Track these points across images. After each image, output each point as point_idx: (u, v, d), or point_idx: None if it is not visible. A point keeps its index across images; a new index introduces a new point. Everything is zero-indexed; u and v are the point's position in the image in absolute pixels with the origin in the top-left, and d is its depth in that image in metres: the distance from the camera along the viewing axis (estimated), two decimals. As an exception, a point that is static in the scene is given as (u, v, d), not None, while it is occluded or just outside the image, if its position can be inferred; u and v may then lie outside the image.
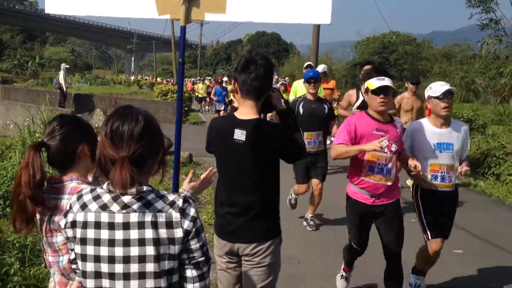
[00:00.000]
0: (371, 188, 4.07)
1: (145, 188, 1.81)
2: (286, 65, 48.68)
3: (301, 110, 6.47)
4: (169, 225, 1.79)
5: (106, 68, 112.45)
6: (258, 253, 2.90)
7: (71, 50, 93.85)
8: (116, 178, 1.71)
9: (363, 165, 4.04)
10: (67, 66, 24.01)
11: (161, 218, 1.78)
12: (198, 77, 50.68)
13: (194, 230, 1.83)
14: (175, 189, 3.29)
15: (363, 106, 6.16)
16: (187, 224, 1.81)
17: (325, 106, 6.58)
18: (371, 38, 42.30)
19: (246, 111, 2.89)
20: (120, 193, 1.76)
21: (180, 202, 1.83)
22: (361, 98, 6.90)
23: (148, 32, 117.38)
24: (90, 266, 1.80)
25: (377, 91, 3.92)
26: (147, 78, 70.18)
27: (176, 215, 1.80)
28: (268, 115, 3.01)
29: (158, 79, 57.32)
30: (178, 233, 1.80)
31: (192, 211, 1.84)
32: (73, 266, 1.93)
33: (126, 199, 1.77)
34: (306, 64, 11.25)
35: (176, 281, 1.88)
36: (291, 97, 10.46)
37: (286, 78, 21.12)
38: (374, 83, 3.93)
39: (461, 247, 6.03)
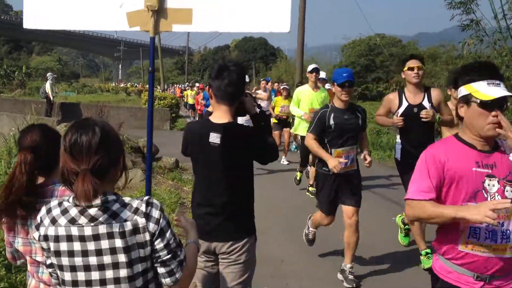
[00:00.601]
0: (477, 265, 2.46)
1: (109, 198, 1.88)
2: (273, 70, 48.97)
3: (332, 123, 5.01)
4: (136, 231, 1.87)
5: (93, 76, 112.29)
6: (234, 251, 3.02)
7: (57, 59, 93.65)
8: (79, 191, 1.78)
9: (459, 228, 2.48)
10: (54, 76, 23.98)
11: (128, 227, 1.86)
12: (187, 83, 50.75)
13: (158, 231, 1.91)
14: (148, 190, 3.39)
15: (409, 116, 5.30)
16: (152, 226, 1.90)
17: (359, 116, 5.13)
18: (357, 41, 42.69)
19: (220, 115, 3.02)
20: (86, 205, 1.83)
21: (143, 208, 1.90)
22: (404, 105, 5.39)
23: (135, 40, 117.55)
24: (67, 275, 1.90)
25: (491, 105, 2.42)
26: (137, 85, 70.06)
27: (141, 221, 1.88)
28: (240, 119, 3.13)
29: (147, 86, 57.31)
30: (146, 236, 1.89)
31: (156, 213, 1.92)
32: (50, 270, 2.02)
33: (93, 211, 1.84)
34: (311, 67, 8.94)
35: (152, 277, 1.98)
36: (293, 109, 9.12)
37: (275, 83, 18.93)
38: (487, 90, 2.43)
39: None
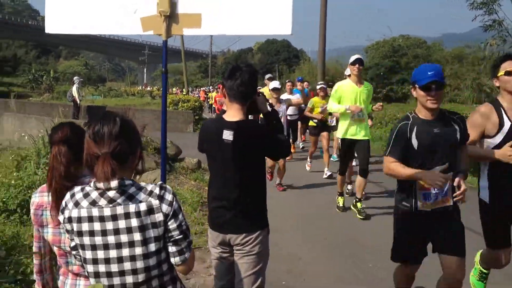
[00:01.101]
0: None
1: (126, 182, 2.10)
2: (297, 72, 48.98)
3: (414, 143, 3.54)
4: (151, 211, 2.08)
5: (119, 80, 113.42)
6: (247, 243, 3.20)
7: (84, 64, 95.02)
8: (99, 171, 2.03)
9: None
10: (81, 79, 24.52)
11: (143, 207, 2.07)
12: (211, 86, 51.13)
13: (172, 213, 2.12)
14: (163, 178, 3.59)
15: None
16: (165, 208, 2.11)
17: (456, 127, 3.60)
18: (380, 42, 42.43)
19: (233, 113, 3.20)
20: (105, 188, 2.06)
21: (157, 191, 2.12)
22: (507, 124, 3.80)
23: (159, 43, 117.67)
24: (88, 254, 2.11)
25: None
26: (163, 88, 70.24)
27: (155, 202, 2.09)
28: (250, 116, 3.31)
29: (174, 89, 57.69)
30: (159, 217, 2.10)
31: (169, 196, 2.13)
32: (74, 252, 2.23)
33: (111, 194, 2.06)
34: (354, 58, 7.34)
35: (165, 257, 2.18)
36: (332, 105, 7.57)
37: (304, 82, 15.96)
38: None
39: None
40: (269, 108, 3.32)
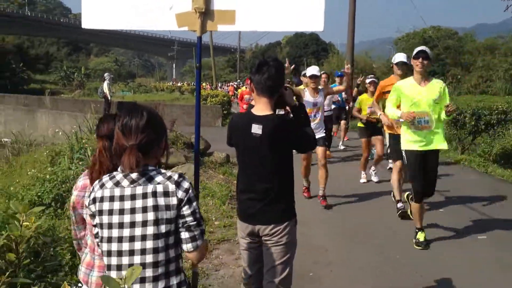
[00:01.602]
0: None
1: (150, 167, 2.25)
2: (325, 65, 48.72)
3: None
4: (166, 194, 2.21)
5: (149, 76, 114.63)
6: (275, 233, 3.26)
7: (114, 60, 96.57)
8: (125, 161, 2.19)
9: None
10: (111, 76, 24.86)
11: (160, 189, 2.21)
12: (239, 80, 51.25)
13: (186, 198, 2.24)
14: (196, 182, 3.64)
15: None
16: (180, 193, 2.23)
17: None
18: (410, 34, 41.88)
19: (261, 107, 3.26)
20: (129, 171, 2.20)
21: (175, 177, 2.25)
22: None
23: (188, 39, 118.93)
24: (105, 233, 2.24)
25: None
26: (194, 83, 70.72)
27: (172, 186, 2.22)
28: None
29: (204, 84, 58.13)
30: (173, 201, 2.22)
31: (185, 184, 2.26)
32: (97, 240, 2.34)
33: (134, 175, 2.22)
34: (417, 50, 5.74)
35: (172, 243, 2.27)
36: (390, 110, 5.97)
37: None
38: None
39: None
40: (296, 102, 3.36)
